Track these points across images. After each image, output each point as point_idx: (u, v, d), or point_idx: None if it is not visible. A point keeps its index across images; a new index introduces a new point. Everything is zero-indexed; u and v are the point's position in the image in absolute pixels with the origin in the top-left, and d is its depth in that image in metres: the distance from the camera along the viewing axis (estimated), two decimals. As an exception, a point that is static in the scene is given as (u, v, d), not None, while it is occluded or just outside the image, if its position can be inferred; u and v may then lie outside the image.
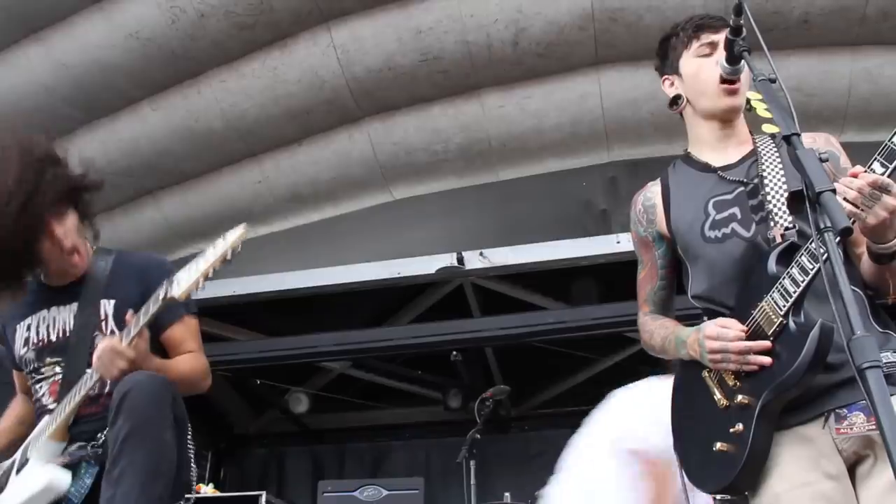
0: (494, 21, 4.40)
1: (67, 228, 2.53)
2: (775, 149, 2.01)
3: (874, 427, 1.68)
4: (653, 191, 2.22)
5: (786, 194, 1.87)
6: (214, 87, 4.82)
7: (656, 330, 2.16)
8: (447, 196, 5.34)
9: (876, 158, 1.71)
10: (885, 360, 1.72)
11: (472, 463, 4.97)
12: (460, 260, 5.24)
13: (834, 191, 1.41)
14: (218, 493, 6.11)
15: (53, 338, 2.56)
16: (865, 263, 1.89)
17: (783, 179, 1.93)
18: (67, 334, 2.54)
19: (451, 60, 4.58)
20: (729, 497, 2.01)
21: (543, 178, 5.17)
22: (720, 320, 1.91)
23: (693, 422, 2.01)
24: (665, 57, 2.24)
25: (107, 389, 2.45)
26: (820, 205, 1.40)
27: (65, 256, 2.53)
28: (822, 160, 1.46)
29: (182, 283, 2.25)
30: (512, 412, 7.66)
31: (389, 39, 4.53)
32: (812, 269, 1.69)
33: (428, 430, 7.76)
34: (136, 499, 2.14)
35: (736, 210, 1.98)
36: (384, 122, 4.99)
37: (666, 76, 2.24)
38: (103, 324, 2.53)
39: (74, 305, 2.57)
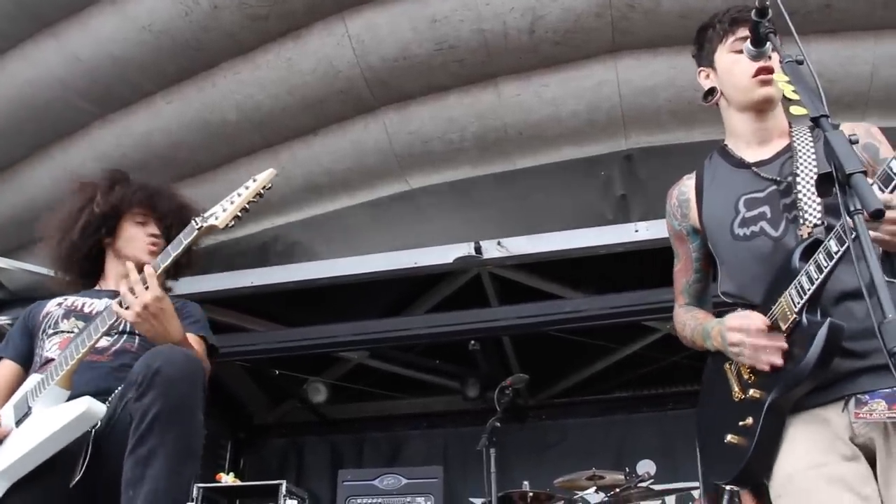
0: (510, 9, 4.36)
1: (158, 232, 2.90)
2: (811, 143, 1.99)
3: (895, 415, 1.66)
4: (687, 185, 2.21)
5: (816, 193, 1.87)
6: (229, 78, 4.81)
7: (688, 321, 2.17)
8: (464, 185, 5.31)
9: (874, 182, 1.69)
10: None
11: (492, 451, 4.97)
12: (478, 249, 5.21)
13: (865, 172, 1.38)
14: (239, 482, 6.16)
15: (87, 310, 2.71)
16: None
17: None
18: (97, 312, 2.62)
19: (466, 49, 4.55)
20: (738, 488, 2.02)
21: (561, 166, 5.13)
22: (744, 312, 1.90)
23: (712, 413, 2.02)
24: (701, 48, 2.23)
25: (115, 347, 2.57)
26: (850, 187, 1.38)
27: (143, 249, 2.84)
28: (852, 142, 1.44)
29: (220, 215, 2.44)
30: (529, 401, 7.67)
31: (404, 28, 4.50)
32: (827, 267, 1.69)
33: (446, 420, 7.79)
34: (168, 481, 2.07)
35: (766, 209, 1.97)
36: (399, 112, 4.97)
37: (701, 68, 2.23)
38: None
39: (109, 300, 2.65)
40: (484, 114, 4.88)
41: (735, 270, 2.01)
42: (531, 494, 5.28)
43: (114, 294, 2.67)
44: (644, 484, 5.00)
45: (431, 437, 7.76)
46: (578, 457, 6.60)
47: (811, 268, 1.73)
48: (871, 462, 1.77)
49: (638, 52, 4.58)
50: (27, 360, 2.72)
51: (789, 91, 1.59)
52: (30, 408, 2.42)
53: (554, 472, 5.52)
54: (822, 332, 1.69)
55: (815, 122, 1.51)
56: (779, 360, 1.79)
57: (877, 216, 1.35)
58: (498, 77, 4.76)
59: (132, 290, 2.34)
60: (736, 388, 1.91)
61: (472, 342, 6.19)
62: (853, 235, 1.39)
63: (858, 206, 1.36)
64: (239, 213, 2.46)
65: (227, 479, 6.18)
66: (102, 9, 4.53)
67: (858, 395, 1.76)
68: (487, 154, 5.11)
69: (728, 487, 2.09)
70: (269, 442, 8.16)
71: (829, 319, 1.70)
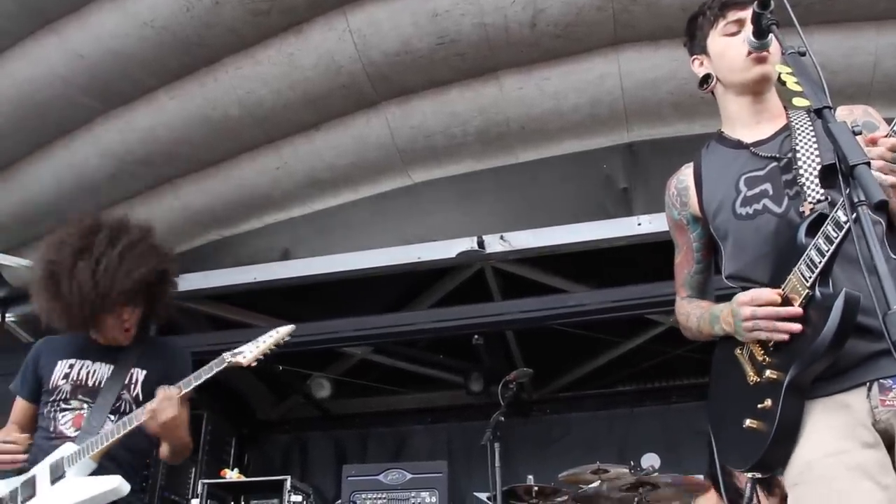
0: (511, 2, 4.35)
1: (133, 316, 3.21)
2: (809, 123, 1.98)
3: None
4: (685, 173, 2.20)
5: (819, 168, 1.85)
6: (230, 74, 4.81)
7: (692, 311, 2.14)
8: (466, 179, 5.31)
9: (891, 129, 1.69)
10: None
11: (496, 445, 4.97)
12: (481, 244, 5.21)
13: (868, 163, 1.38)
14: (243, 478, 6.17)
15: (90, 383, 3.14)
16: None
17: (817, 153, 1.90)
18: (101, 385, 3.13)
19: (468, 43, 4.55)
20: (760, 475, 1.98)
21: (563, 159, 5.13)
22: (753, 289, 1.89)
23: (725, 400, 1.99)
24: (693, 37, 2.23)
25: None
26: (854, 178, 1.37)
27: (120, 333, 3.21)
28: (855, 133, 1.43)
29: (248, 355, 3.04)
30: (533, 395, 7.67)
31: (406, 23, 4.49)
32: (836, 238, 1.66)
33: (450, 414, 7.79)
34: None
35: (767, 186, 1.96)
36: (402, 107, 4.96)
37: (695, 56, 2.23)
38: (132, 386, 3.16)
39: (112, 367, 3.18)
40: (486, 108, 4.87)
41: (739, 251, 2.00)
42: (536, 488, 5.27)
43: (107, 353, 3.21)
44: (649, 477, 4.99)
45: (435, 432, 7.76)
46: (582, 450, 6.61)
47: (820, 240, 1.70)
48: (888, 446, 1.75)
49: (640, 44, 4.57)
50: (37, 399, 3.19)
51: (792, 82, 1.59)
52: (64, 472, 2.89)
53: (558, 466, 5.51)
54: (839, 303, 1.66)
55: (818, 114, 1.51)
56: (797, 327, 1.76)
57: (881, 207, 1.35)
58: (499, 71, 4.75)
59: (160, 407, 2.86)
60: (750, 373, 1.88)
61: (476, 337, 6.20)
62: (848, 223, 1.38)
63: (862, 198, 1.36)
64: (261, 357, 3.07)
65: (232, 476, 6.18)
66: (103, 5, 4.53)
67: (882, 381, 1.74)
68: (490, 148, 5.11)
69: (749, 475, 2.03)
70: (273, 438, 8.17)
71: (844, 290, 1.67)
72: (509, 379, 5.24)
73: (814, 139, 1.93)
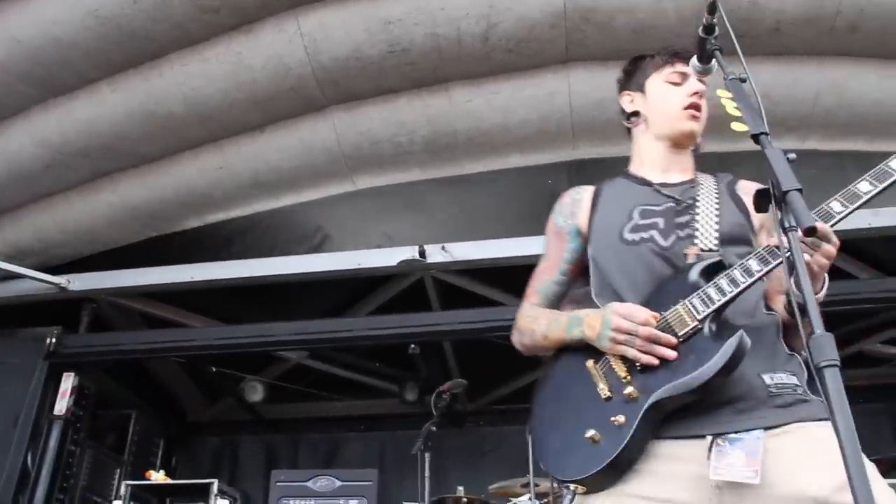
0: (465, 15, 4.38)
1: None
2: (716, 185, 2.04)
3: (752, 475, 1.63)
4: (585, 189, 2.20)
5: (714, 223, 1.91)
6: (176, 70, 4.74)
7: (541, 315, 2.09)
8: (411, 188, 5.32)
9: (865, 178, 1.72)
10: (778, 381, 1.74)
11: (426, 455, 4.96)
12: (422, 253, 5.21)
13: (800, 190, 1.41)
14: (169, 481, 6.05)
15: None
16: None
17: (717, 211, 1.94)
18: None
19: (419, 53, 4.56)
20: (581, 492, 1.90)
21: (509, 173, 5.16)
22: (630, 304, 1.86)
23: (562, 408, 1.93)
24: (631, 74, 2.26)
25: None
26: (786, 203, 1.40)
27: None
28: (788, 160, 1.46)
29: None
30: (468, 406, 7.68)
31: (357, 29, 4.49)
32: (744, 282, 1.70)
33: (383, 423, 7.76)
34: None
35: (660, 220, 1.97)
36: (349, 112, 4.95)
37: (627, 91, 2.25)
38: None
39: None
40: (434, 118, 4.88)
41: (617, 275, 1.98)
42: (465, 500, 5.28)
43: None
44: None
45: (368, 440, 7.72)
46: (514, 463, 6.62)
47: (723, 281, 1.73)
48: None
49: (590, 64, 4.63)
50: None
51: (731, 108, 1.61)
52: None
53: (490, 478, 5.53)
54: (733, 342, 1.66)
55: (756, 139, 1.53)
56: (673, 354, 1.75)
57: (810, 233, 1.38)
58: (450, 82, 4.77)
59: None
60: (603, 387, 1.83)
61: (412, 346, 6.19)
62: (787, 253, 1.41)
63: (793, 224, 1.39)
64: None
65: (157, 477, 6.06)
66: (46, -10, 4.43)
67: (719, 442, 1.68)
68: (436, 158, 5.12)
69: (572, 487, 1.93)
70: (202, 440, 8.03)
71: (741, 332, 1.66)
72: (443, 389, 5.24)
73: (716, 199, 1.98)
